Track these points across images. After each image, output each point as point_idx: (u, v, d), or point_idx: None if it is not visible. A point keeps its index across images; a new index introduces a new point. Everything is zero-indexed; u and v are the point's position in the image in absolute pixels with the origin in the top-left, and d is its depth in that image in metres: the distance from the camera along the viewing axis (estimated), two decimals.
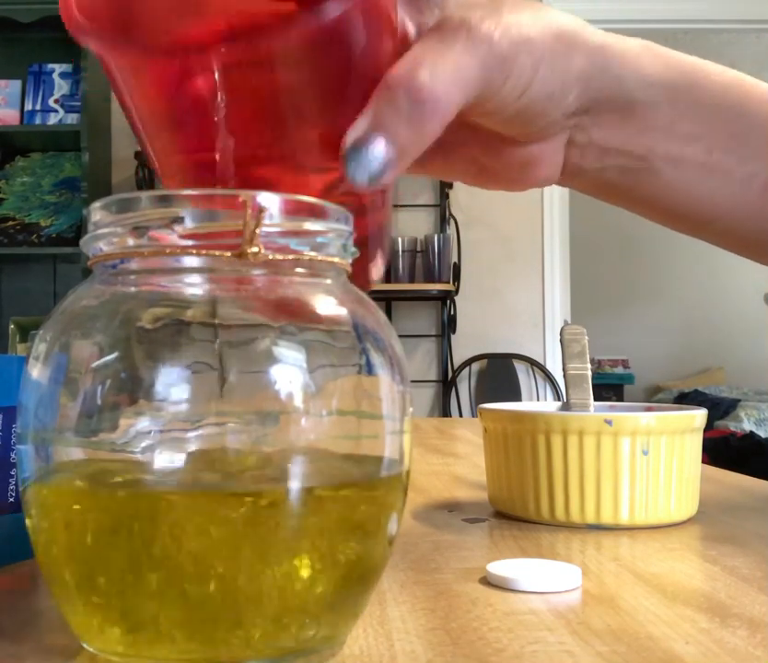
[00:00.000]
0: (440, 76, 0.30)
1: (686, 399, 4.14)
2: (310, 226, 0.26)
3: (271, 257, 0.25)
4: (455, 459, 0.77)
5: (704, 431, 0.49)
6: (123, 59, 0.30)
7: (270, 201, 0.25)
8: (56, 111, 2.70)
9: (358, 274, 0.32)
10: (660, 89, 0.37)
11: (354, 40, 0.29)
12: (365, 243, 0.34)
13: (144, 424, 0.24)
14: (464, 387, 2.85)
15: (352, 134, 0.30)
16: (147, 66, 0.29)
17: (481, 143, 0.38)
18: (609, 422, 0.44)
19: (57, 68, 2.72)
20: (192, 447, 0.24)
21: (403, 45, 0.33)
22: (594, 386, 0.53)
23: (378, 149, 0.30)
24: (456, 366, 2.82)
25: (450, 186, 2.70)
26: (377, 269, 0.37)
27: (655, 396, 4.56)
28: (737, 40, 3.80)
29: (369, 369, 0.26)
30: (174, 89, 0.30)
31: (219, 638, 0.24)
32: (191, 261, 0.25)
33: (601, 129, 0.37)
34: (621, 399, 4.45)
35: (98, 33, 0.29)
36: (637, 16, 2.92)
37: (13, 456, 0.37)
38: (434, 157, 0.37)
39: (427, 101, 0.30)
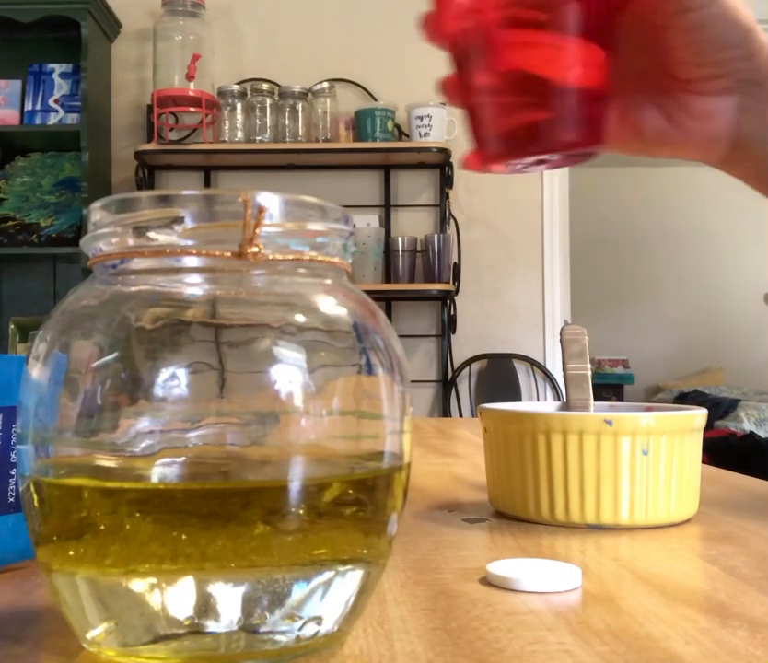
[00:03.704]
0: None
1: (686, 399, 4.14)
2: (310, 226, 0.26)
3: (271, 257, 0.25)
4: (455, 459, 0.77)
5: (704, 431, 0.49)
6: None
7: (270, 201, 0.25)
8: (56, 111, 2.70)
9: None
10: None
11: None
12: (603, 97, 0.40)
13: (144, 424, 0.24)
14: (464, 387, 2.85)
15: None
16: None
17: (671, 99, 0.43)
18: (609, 422, 0.44)
19: (57, 68, 2.72)
20: (192, 447, 0.24)
21: None
22: (594, 386, 0.53)
23: None
24: (456, 366, 2.82)
25: (450, 186, 2.70)
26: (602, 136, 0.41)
27: (655, 396, 4.55)
28: None
29: (369, 369, 0.26)
30: None
31: (219, 637, 0.24)
32: (191, 261, 0.25)
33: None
34: (621, 399, 4.44)
35: None
36: None
37: (13, 456, 0.37)
38: (630, 114, 0.44)
39: None
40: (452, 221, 2.76)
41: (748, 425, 3.61)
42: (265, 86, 2.55)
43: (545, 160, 0.41)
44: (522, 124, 0.39)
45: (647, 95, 0.45)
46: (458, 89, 0.41)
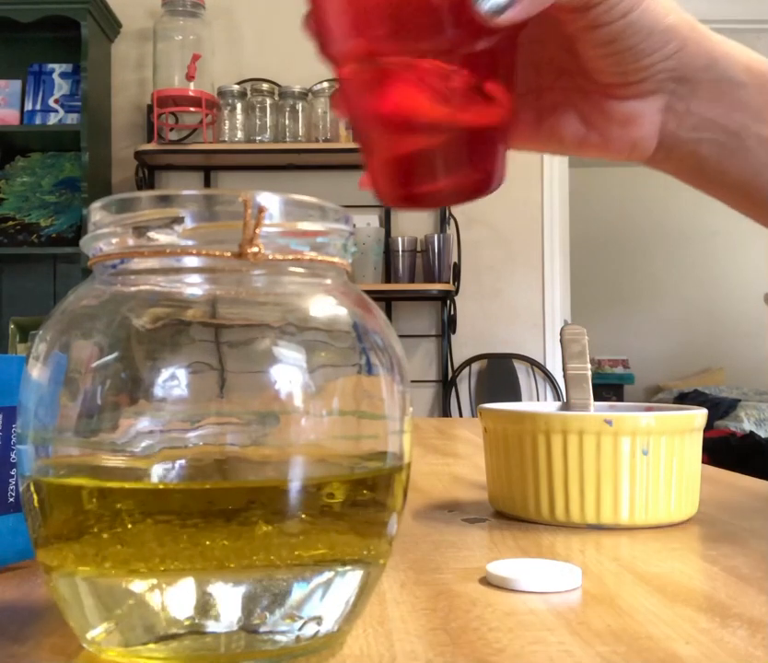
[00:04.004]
0: None
1: (686, 399, 4.14)
2: (310, 226, 0.26)
3: (271, 257, 0.25)
4: (455, 459, 0.77)
5: (704, 431, 0.49)
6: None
7: (270, 201, 0.25)
8: (56, 111, 2.70)
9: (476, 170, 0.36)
10: (748, 72, 0.40)
11: None
12: (485, 136, 0.37)
13: (144, 424, 0.24)
14: (464, 387, 2.85)
15: None
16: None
17: (589, 101, 0.41)
18: (609, 422, 0.44)
19: (57, 68, 2.72)
20: (192, 447, 0.24)
21: None
22: (594, 386, 0.53)
23: None
24: (456, 366, 2.82)
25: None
26: (500, 173, 0.39)
27: (655, 396, 4.55)
28: (737, 41, 3.79)
29: (369, 369, 0.26)
30: None
31: (219, 637, 0.24)
32: (191, 261, 0.25)
33: (698, 100, 0.39)
34: (621, 399, 4.44)
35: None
36: None
37: (13, 456, 0.37)
38: (546, 119, 0.42)
39: None
40: (452, 221, 2.76)
41: (748, 425, 3.61)
42: (265, 86, 2.55)
43: (436, 197, 0.39)
44: (406, 160, 0.37)
45: (565, 96, 0.42)
46: (345, 106, 0.38)
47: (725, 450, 3.17)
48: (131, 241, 0.25)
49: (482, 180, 0.38)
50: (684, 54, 0.38)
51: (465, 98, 0.36)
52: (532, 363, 2.84)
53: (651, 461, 0.45)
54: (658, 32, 0.37)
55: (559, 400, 2.08)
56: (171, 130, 2.64)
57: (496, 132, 0.38)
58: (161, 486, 0.24)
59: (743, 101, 0.40)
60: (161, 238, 0.25)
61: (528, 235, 2.89)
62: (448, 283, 2.67)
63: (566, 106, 0.42)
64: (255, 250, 0.24)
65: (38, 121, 2.69)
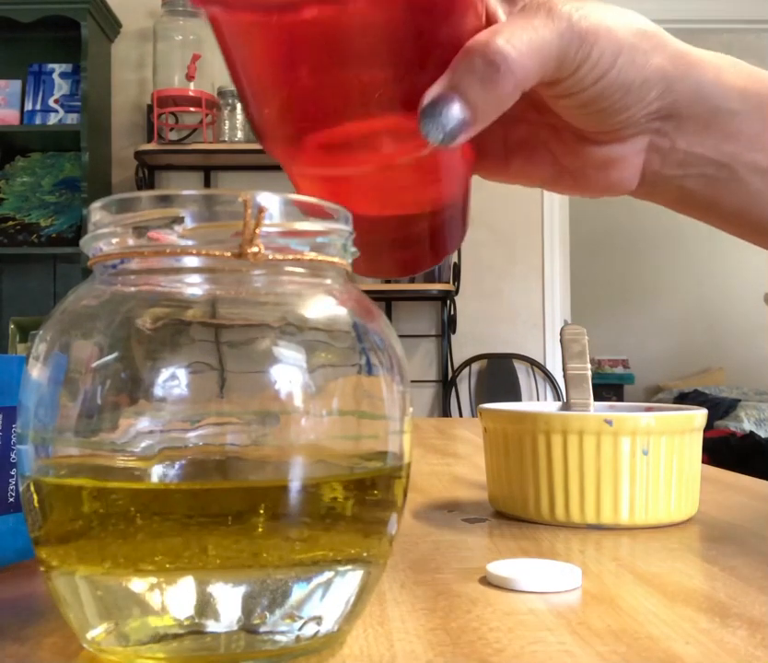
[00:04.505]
0: (516, 43, 0.31)
1: (686, 399, 4.14)
2: (310, 226, 0.26)
3: (271, 257, 0.25)
4: (455, 459, 0.77)
5: (704, 431, 0.49)
6: (232, 19, 0.31)
7: (270, 201, 0.25)
8: (56, 111, 2.70)
9: (433, 248, 0.35)
10: (746, 99, 0.36)
11: (441, 14, 0.31)
12: (442, 213, 0.36)
13: (144, 424, 0.24)
14: (464, 387, 2.85)
15: (430, 93, 0.31)
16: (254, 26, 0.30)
17: (562, 143, 0.38)
18: (609, 422, 0.44)
19: (57, 68, 2.72)
20: (192, 447, 0.24)
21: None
22: (594, 386, 0.53)
23: (454, 108, 0.31)
24: (456, 366, 2.82)
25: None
26: (453, 242, 0.38)
27: (655, 396, 4.56)
28: (737, 41, 3.80)
29: (369, 369, 0.26)
30: (267, 51, 0.31)
31: (219, 637, 0.24)
32: (191, 261, 0.25)
33: (684, 135, 0.37)
34: (621, 399, 4.45)
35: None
36: None
37: (13, 456, 0.37)
38: (518, 157, 0.39)
39: (502, 64, 0.31)
40: None
41: (748, 425, 3.62)
42: None
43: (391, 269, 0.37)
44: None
45: (533, 132, 0.39)
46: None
47: (725, 450, 3.17)
48: (131, 241, 0.25)
49: (440, 251, 0.37)
50: (669, 93, 0.35)
51: (415, 186, 0.34)
52: (532, 363, 2.84)
53: (651, 461, 0.45)
54: (637, 86, 0.34)
55: (559, 400, 2.08)
56: (171, 130, 2.64)
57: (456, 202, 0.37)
58: (161, 486, 0.24)
59: (734, 131, 0.37)
60: (161, 237, 0.25)
61: (528, 235, 2.89)
62: (448, 283, 2.67)
63: (536, 144, 0.39)
64: (255, 250, 0.24)
65: (38, 121, 2.70)
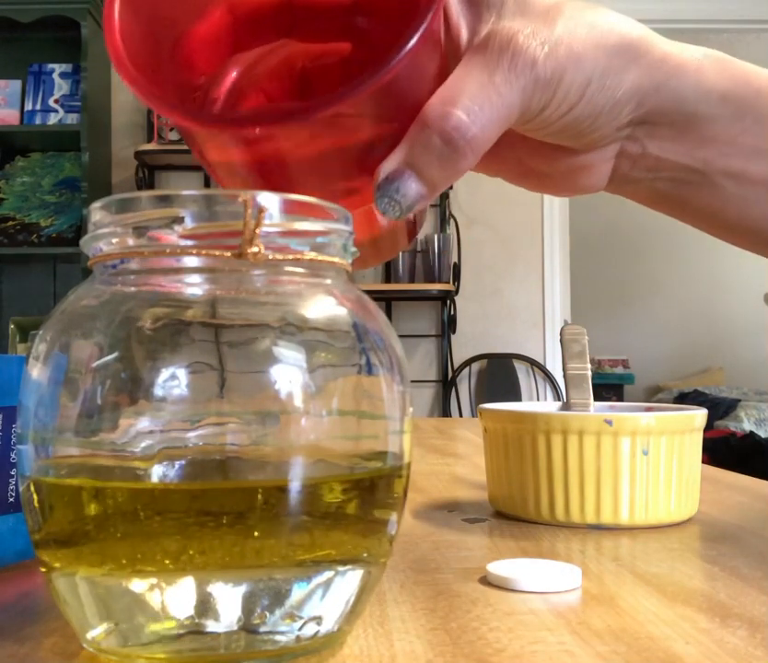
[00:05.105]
0: (476, 114, 0.30)
1: (686, 399, 4.14)
2: (310, 226, 0.26)
3: (271, 257, 0.25)
4: (455, 459, 0.77)
5: (704, 431, 0.49)
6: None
7: (270, 201, 0.25)
8: (56, 111, 2.70)
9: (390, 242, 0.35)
10: (723, 103, 0.35)
11: (405, 83, 0.30)
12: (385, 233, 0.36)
13: (144, 424, 0.24)
14: (464, 387, 2.85)
15: (385, 168, 0.30)
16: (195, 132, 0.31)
17: (528, 148, 0.37)
18: (609, 422, 0.44)
19: (57, 68, 2.72)
20: (192, 447, 0.24)
21: (452, 50, 0.33)
22: (594, 386, 0.53)
23: (410, 186, 0.30)
24: (456, 366, 2.82)
25: (450, 186, 2.70)
26: (400, 246, 0.38)
27: (655, 396, 4.56)
28: (737, 40, 3.80)
29: (369, 369, 0.26)
30: (217, 154, 0.32)
31: (219, 637, 0.24)
32: (191, 261, 0.25)
33: (656, 141, 0.36)
34: (621, 399, 4.45)
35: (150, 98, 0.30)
36: (637, 16, 2.91)
37: (13, 456, 0.37)
38: (486, 155, 0.37)
39: (461, 142, 0.30)
40: (452, 221, 2.76)
41: (748, 425, 3.62)
42: None
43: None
44: None
45: (499, 140, 0.36)
46: None
47: (725, 450, 3.17)
48: (131, 241, 0.25)
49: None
50: (641, 107, 0.34)
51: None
52: (532, 363, 2.85)
53: (651, 461, 0.45)
54: (607, 110, 0.33)
55: (559, 400, 2.08)
56: (171, 130, 2.64)
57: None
58: (161, 486, 0.24)
59: (710, 137, 0.36)
60: (161, 237, 0.25)
61: (528, 235, 2.89)
62: (448, 283, 2.67)
63: (500, 146, 0.36)
64: (255, 250, 0.24)
65: (38, 121, 2.70)
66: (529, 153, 0.37)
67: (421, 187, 0.30)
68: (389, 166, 0.30)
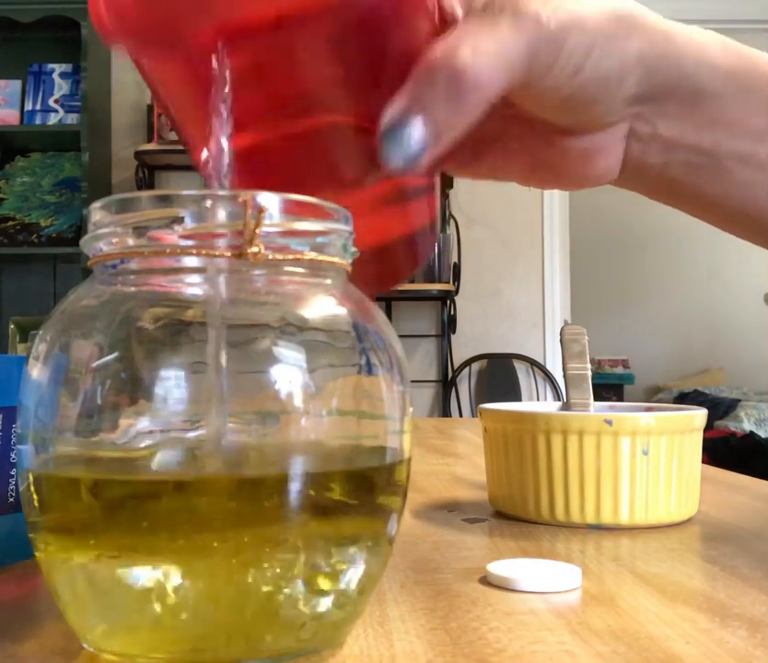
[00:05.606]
0: (482, 55, 0.29)
1: (686, 399, 4.13)
2: (310, 226, 0.26)
3: (271, 257, 0.25)
4: (455, 459, 0.77)
5: (704, 431, 0.49)
6: (151, 60, 0.30)
7: (270, 201, 0.25)
8: (56, 111, 2.70)
9: (399, 267, 0.34)
10: (731, 80, 0.35)
11: (389, 24, 0.29)
12: (412, 235, 0.35)
13: (144, 424, 0.24)
14: (464, 387, 2.85)
15: (389, 115, 0.29)
16: (173, 67, 0.30)
17: (537, 135, 0.36)
18: (609, 422, 0.44)
19: (57, 68, 2.72)
20: (192, 447, 0.24)
21: (449, 27, 0.32)
22: (594, 386, 0.53)
23: (416, 130, 0.29)
24: (456, 366, 2.82)
25: (450, 186, 2.70)
26: (420, 259, 0.37)
27: (655, 396, 4.55)
28: (737, 40, 3.80)
29: (369, 369, 0.26)
30: (198, 86, 0.30)
31: (220, 637, 0.24)
32: (191, 261, 0.25)
33: (666, 120, 0.35)
34: (621, 399, 4.44)
35: (126, 35, 0.29)
36: None
37: (13, 456, 0.37)
38: (490, 153, 0.37)
39: (468, 81, 0.29)
40: (452, 221, 2.76)
41: (748, 425, 3.61)
42: None
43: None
44: None
45: (504, 126, 0.36)
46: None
47: (725, 450, 3.17)
48: (131, 241, 0.25)
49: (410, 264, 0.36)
50: (647, 77, 0.33)
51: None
52: (532, 363, 2.85)
53: (651, 461, 0.45)
54: (614, 77, 0.32)
55: (559, 400, 2.08)
56: (171, 130, 2.64)
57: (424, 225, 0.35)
58: (161, 484, 0.24)
59: (716, 116, 0.35)
60: (161, 237, 0.25)
61: (528, 235, 2.89)
62: (448, 283, 2.67)
63: (508, 140, 0.36)
64: (255, 250, 0.24)
65: (38, 121, 2.70)
66: (540, 144, 0.36)
67: (428, 131, 0.29)
68: (393, 110, 0.29)
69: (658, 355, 4.79)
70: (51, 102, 2.70)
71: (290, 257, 0.25)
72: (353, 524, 0.26)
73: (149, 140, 2.64)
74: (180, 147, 2.59)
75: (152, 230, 0.25)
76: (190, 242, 0.24)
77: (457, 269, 2.73)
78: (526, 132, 0.36)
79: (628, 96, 0.34)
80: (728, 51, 0.35)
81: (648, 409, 0.50)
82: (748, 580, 0.34)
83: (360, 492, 0.26)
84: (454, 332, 2.79)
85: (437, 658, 0.26)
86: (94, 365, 0.24)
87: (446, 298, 2.74)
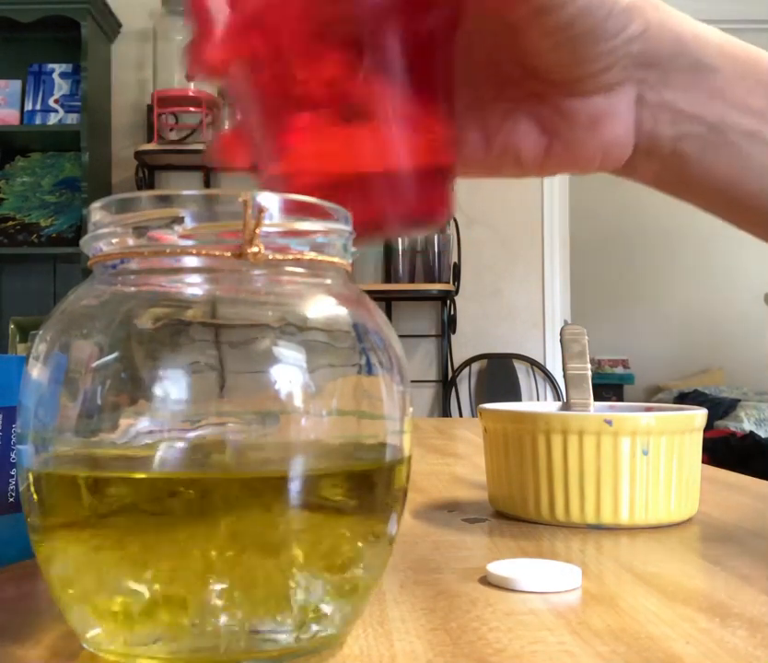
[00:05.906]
0: None
1: (686, 399, 4.13)
2: (310, 226, 0.26)
3: (271, 257, 0.25)
4: (455, 459, 0.77)
5: (704, 431, 0.49)
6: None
7: (270, 201, 0.25)
8: (56, 111, 2.70)
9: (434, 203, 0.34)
10: (729, 59, 0.36)
11: None
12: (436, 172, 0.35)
13: (144, 424, 0.24)
14: (464, 387, 2.85)
15: None
16: None
17: (544, 104, 0.36)
18: (609, 422, 0.44)
19: (57, 68, 2.72)
20: (192, 447, 0.24)
21: None
22: (594, 386, 0.53)
23: None
24: (456, 366, 2.82)
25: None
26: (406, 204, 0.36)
27: (655, 396, 4.55)
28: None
29: (369, 369, 0.26)
30: None
31: (219, 637, 0.24)
32: (191, 261, 0.25)
33: (671, 89, 0.35)
34: (621, 399, 4.44)
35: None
36: None
37: (13, 456, 0.37)
38: (501, 136, 0.37)
39: None
40: (452, 221, 2.76)
41: (748, 425, 3.61)
42: None
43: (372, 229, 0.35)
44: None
45: (514, 103, 0.36)
46: (240, 150, 0.35)
47: (725, 450, 3.17)
48: (131, 241, 0.25)
49: (425, 216, 0.35)
50: (649, 37, 0.34)
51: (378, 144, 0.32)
52: (532, 363, 2.84)
53: (651, 461, 0.45)
54: (618, 12, 0.33)
55: (559, 400, 2.08)
56: (171, 130, 2.64)
57: (439, 167, 0.35)
58: (161, 484, 0.24)
59: (718, 88, 0.36)
60: (161, 237, 0.25)
61: (528, 235, 2.89)
62: (448, 283, 2.67)
63: (518, 114, 0.36)
64: (255, 250, 0.24)
65: (38, 121, 2.69)
66: (549, 113, 0.36)
67: None
68: None
69: (658, 355, 4.79)
70: (51, 102, 2.70)
71: (290, 257, 0.25)
72: (353, 524, 0.26)
73: (149, 140, 2.64)
74: (180, 147, 2.59)
75: (152, 230, 0.25)
76: (190, 242, 0.24)
77: (457, 269, 2.73)
78: (534, 105, 0.36)
79: (631, 50, 0.34)
80: (723, 35, 0.37)
81: (648, 409, 0.50)
82: (748, 580, 0.34)
83: (360, 491, 0.26)
84: (454, 332, 2.79)
85: (437, 658, 0.26)
86: (94, 365, 0.24)
87: (446, 298, 2.74)
